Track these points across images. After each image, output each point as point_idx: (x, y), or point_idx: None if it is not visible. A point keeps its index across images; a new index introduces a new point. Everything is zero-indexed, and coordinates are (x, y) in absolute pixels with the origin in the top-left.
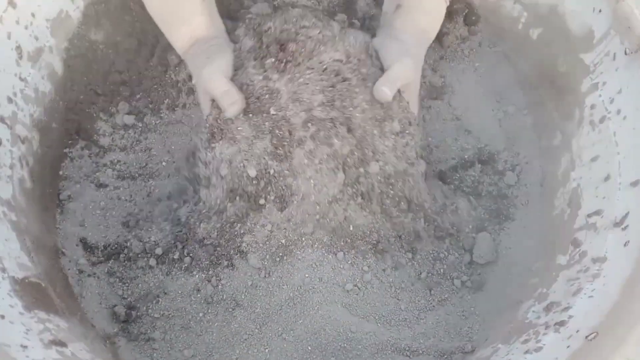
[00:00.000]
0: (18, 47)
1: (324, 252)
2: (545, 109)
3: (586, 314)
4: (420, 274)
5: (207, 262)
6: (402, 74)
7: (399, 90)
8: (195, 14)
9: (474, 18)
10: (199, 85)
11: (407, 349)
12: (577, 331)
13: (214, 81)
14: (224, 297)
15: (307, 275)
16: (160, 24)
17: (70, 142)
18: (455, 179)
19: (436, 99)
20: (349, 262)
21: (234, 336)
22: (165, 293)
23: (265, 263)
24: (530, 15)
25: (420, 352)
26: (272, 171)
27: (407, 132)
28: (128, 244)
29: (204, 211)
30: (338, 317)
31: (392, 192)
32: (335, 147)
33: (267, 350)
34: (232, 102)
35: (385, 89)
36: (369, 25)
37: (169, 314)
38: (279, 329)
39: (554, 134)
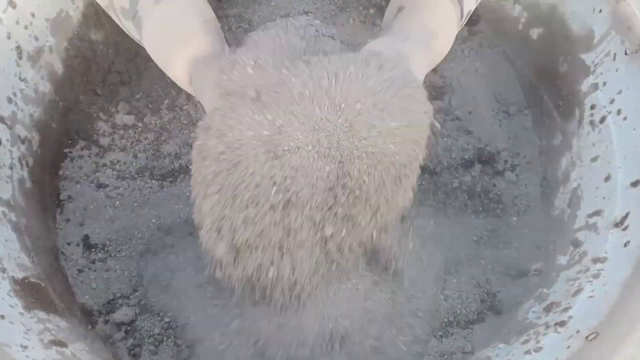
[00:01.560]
0: (18, 47)
1: None
2: (546, 109)
3: (586, 315)
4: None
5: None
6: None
7: None
8: (198, 33)
9: (474, 18)
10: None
11: None
12: (577, 331)
13: None
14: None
15: None
16: (159, 53)
17: (70, 142)
18: (456, 179)
19: (436, 99)
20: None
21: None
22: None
23: None
24: (531, 15)
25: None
26: None
27: None
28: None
29: None
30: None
31: None
32: None
33: None
34: None
35: None
36: None
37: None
38: None
39: (554, 134)
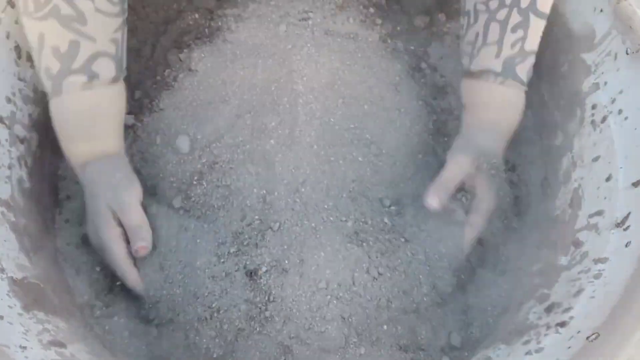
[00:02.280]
0: (17, 47)
1: None
2: (546, 108)
3: (587, 315)
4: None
5: None
6: (452, 174)
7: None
8: (110, 135)
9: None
10: (107, 202)
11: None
12: (578, 332)
13: (134, 209)
14: None
15: None
16: (62, 130)
17: None
18: None
19: (437, 99)
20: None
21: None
22: None
23: None
24: None
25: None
26: None
27: None
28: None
29: None
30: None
31: None
32: None
33: None
34: (142, 243)
35: (429, 200)
36: None
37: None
38: None
39: (555, 134)
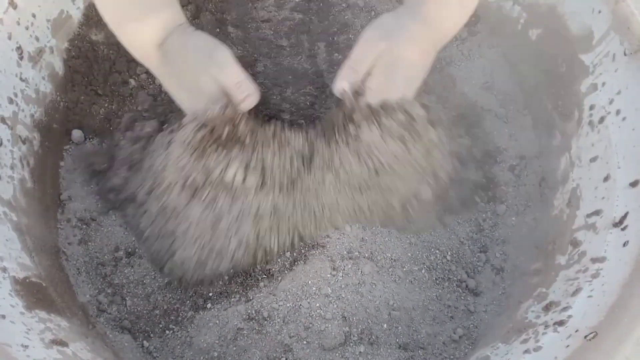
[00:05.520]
0: (19, 48)
1: None
2: (545, 109)
3: (585, 314)
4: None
5: None
6: (361, 55)
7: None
8: (166, 4)
9: (473, 19)
10: (203, 73)
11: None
12: (576, 331)
13: (230, 66)
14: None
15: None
16: (116, 17)
17: (71, 142)
18: (455, 179)
19: None
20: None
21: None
22: None
23: None
24: (530, 16)
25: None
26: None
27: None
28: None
29: None
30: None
31: None
32: None
33: None
34: (249, 93)
35: (337, 85)
36: None
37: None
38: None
39: (553, 134)
